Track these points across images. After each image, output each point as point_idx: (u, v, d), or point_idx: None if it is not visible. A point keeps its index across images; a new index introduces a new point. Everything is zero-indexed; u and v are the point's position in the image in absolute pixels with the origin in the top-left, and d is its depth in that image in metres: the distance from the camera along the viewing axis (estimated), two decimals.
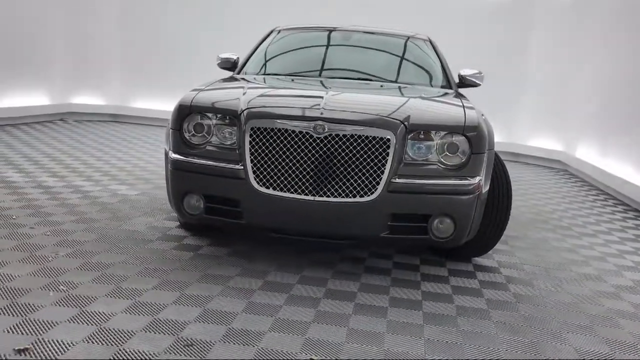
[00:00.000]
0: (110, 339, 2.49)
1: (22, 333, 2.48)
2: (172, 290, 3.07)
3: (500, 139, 8.37)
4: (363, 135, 3.24)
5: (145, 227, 4.15)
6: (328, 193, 3.25)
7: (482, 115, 3.73)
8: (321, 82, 4.37)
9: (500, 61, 8.80)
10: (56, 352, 2.35)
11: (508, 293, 3.45)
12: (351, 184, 3.25)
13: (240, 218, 3.40)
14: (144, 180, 5.68)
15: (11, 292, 2.88)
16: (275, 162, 3.28)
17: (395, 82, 4.65)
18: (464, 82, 4.93)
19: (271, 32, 5.32)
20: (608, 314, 3.25)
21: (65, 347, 2.40)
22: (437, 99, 4.12)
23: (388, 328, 2.83)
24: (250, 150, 3.31)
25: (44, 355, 2.32)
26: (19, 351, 2.33)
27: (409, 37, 5.21)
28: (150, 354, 2.39)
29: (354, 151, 3.24)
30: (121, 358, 2.35)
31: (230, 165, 3.35)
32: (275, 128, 3.28)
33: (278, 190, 3.28)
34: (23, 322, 2.58)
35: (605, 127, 7.44)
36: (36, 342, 2.41)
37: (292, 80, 4.46)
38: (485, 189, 3.49)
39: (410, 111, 3.45)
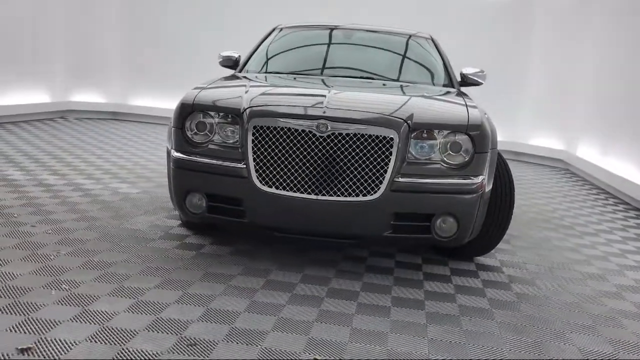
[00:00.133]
0: (113, 338, 2.49)
1: (25, 332, 2.47)
2: (174, 289, 3.06)
3: (501, 138, 8.33)
4: (366, 134, 3.23)
5: (146, 225, 4.14)
6: (331, 192, 3.24)
7: (485, 114, 3.72)
8: (323, 80, 4.36)
9: (501, 60, 8.79)
10: (59, 352, 2.34)
11: (511, 293, 3.44)
12: (354, 183, 3.24)
13: (243, 217, 3.39)
14: (145, 178, 5.67)
15: (13, 290, 2.87)
16: (278, 160, 3.27)
17: (398, 80, 4.64)
18: (466, 81, 4.91)
19: (273, 30, 5.31)
20: (611, 313, 3.24)
21: (68, 346, 2.39)
22: (440, 97, 4.11)
23: (391, 328, 2.83)
24: (252, 148, 3.30)
25: (46, 354, 2.31)
26: (22, 350, 2.32)
27: (411, 36, 5.20)
28: (153, 354, 2.38)
29: (357, 150, 3.23)
30: (124, 357, 2.34)
31: (233, 164, 3.34)
32: (278, 127, 3.27)
33: (281, 189, 3.27)
34: (25, 321, 2.57)
35: (606, 126, 7.43)
36: (39, 342, 2.40)
37: (294, 78, 4.45)
38: (488, 188, 3.48)
39: (413, 110, 3.44)
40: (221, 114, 3.46)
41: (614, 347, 2.84)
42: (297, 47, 5.14)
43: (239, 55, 5.11)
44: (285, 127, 3.26)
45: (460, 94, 4.30)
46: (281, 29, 5.28)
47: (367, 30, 5.25)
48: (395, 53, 5.06)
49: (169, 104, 9.88)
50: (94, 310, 2.73)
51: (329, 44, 5.14)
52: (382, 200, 3.23)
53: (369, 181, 3.23)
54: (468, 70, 4.92)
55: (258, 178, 3.29)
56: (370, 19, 8.04)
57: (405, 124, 3.30)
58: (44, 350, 2.34)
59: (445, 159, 3.35)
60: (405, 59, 5.03)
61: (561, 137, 8.73)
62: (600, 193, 6.84)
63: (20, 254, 3.36)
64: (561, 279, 3.75)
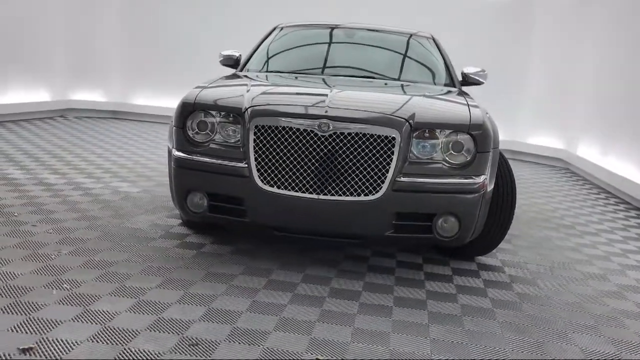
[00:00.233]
0: (115, 338, 2.48)
1: (26, 332, 2.46)
2: (175, 289, 3.05)
3: (501, 137, 8.34)
4: (368, 134, 3.22)
5: (147, 224, 4.13)
6: (332, 192, 3.24)
7: (487, 113, 3.71)
8: (324, 79, 4.35)
9: (501, 60, 8.78)
10: (61, 352, 2.33)
11: (512, 292, 3.44)
12: (356, 183, 3.23)
13: (244, 216, 3.38)
14: (145, 177, 5.66)
15: (14, 290, 2.86)
16: (280, 160, 3.26)
17: (398, 79, 4.63)
18: (467, 80, 4.91)
19: (274, 29, 5.30)
20: (613, 313, 3.24)
21: (70, 346, 2.38)
22: (441, 97, 4.11)
23: (393, 328, 2.82)
24: (254, 148, 3.29)
25: (48, 354, 2.31)
26: (24, 350, 2.31)
27: (411, 35, 5.19)
28: (155, 354, 2.38)
29: (359, 149, 3.22)
30: (126, 357, 2.34)
31: (234, 163, 3.33)
32: (280, 126, 3.26)
33: (282, 189, 3.26)
34: (27, 320, 2.56)
35: (606, 125, 7.43)
36: (40, 341, 2.39)
37: (296, 77, 4.44)
38: (490, 187, 3.48)
39: (415, 109, 3.43)
40: (222, 113, 3.45)
41: (616, 347, 2.83)
42: (298, 47, 5.14)
43: (240, 55, 5.11)
44: (287, 127, 3.25)
45: (462, 93, 4.30)
46: (282, 28, 5.27)
47: (368, 30, 5.25)
48: (396, 52, 5.05)
49: (169, 103, 9.88)
50: (95, 310, 2.72)
51: (329, 43, 5.13)
52: (384, 199, 3.23)
53: (371, 181, 3.23)
54: (469, 70, 4.91)
55: (259, 177, 3.28)
56: (370, 18, 8.04)
57: (407, 123, 3.29)
58: (46, 351, 2.33)
59: (447, 158, 3.34)
60: (406, 58, 5.02)
61: (561, 137, 8.73)
62: (601, 192, 6.84)
63: (21, 254, 3.35)
64: (562, 279, 3.74)
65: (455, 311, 3.09)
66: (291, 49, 5.09)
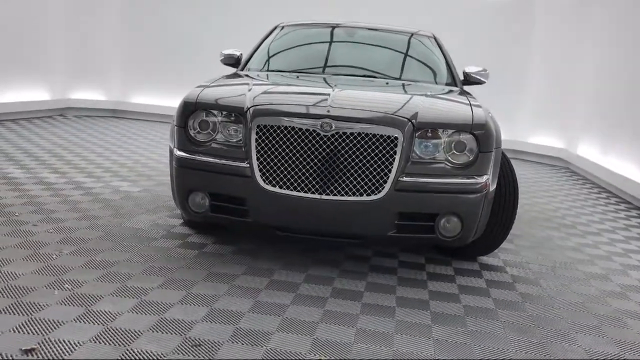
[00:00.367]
0: (118, 338, 2.47)
1: (28, 333, 2.45)
2: (177, 289, 3.04)
3: (502, 137, 8.34)
4: (370, 134, 3.21)
5: (148, 224, 4.12)
6: (335, 191, 3.23)
7: (489, 113, 3.71)
8: (326, 79, 4.34)
9: (501, 59, 8.77)
10: (63, 352, 2.32)
11: (515, 293, 3.43)
12: (358, 183, 3.22)
13: (246, 216, 3.37)
14: (145, 177, 5.65)
15: (16, 290, 2.85)
16: (282, 160, 3.25)
17: (400, 79, 4.62)
18: (469, 80, 4.90)
19: (275, 28, 5.28)
20: (616, 314, 3.24)
21: (72, 347, 2.37)
22: (444, 96, 4.10)
23: (396, 328, 2.81)
24: (256, 147, 3.28)
25: (51, 355, 2.30)
26: (26, 351, 2.30)
27: (413, 34, 5.18)
28: (158, 355, 2.37)
29: (361, 149, 3.21)
30: (129, 358, 2.33)
31: (236, 163, 3.32)
32: (282, 126, 3.25)
33: (284, 189, 3.25)
34: (28, 321, 2.55)
35: (606, 125, 7.42)
36: (42, 342, 2.38)
37: (297, 77, 4.43)
38: (493, 187, 3.47)
39: (417, 109, 3.42)
40: (224, 112, 3.44)
41: (619, 348, 2.83)
42: (299, 46, 5.12)
43: (241, 54, 5.10)
44: (289, 126, 3.24)
45: (464, 92, 4.29)
46: (283, 27, 5.26)
47: (369, 29, 5.23)
48: (398, 51, 5.04)
49: (169, 102, 9.85)
50: (97, 311, 2.71)
51: (330, 42, 5.12)
52: (387, 199, 3.22)
53: (373, 180, 3.22)
54: (471, 69, 4.90)
55: (261, 177, 3.27)
56: (370, 18, 8.03)
57: (410, 123, 3.28)
58: (48, 351, 2.32)
59: (449, 158, 3.33)
60: (407, 57, 5.01)
61: (561, 136, 8.73)
62: (602, 192, 6.83)
63: (22, 254, 3.34)
64: (565, 279, 3.74)
65: (458, 311, 3.08)
66: (292, 48, 5.07)
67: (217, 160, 3.37)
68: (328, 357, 2.47)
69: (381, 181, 3.22)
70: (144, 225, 4.09)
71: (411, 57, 5.01)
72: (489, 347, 2.72)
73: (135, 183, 5.34)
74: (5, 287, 2.88)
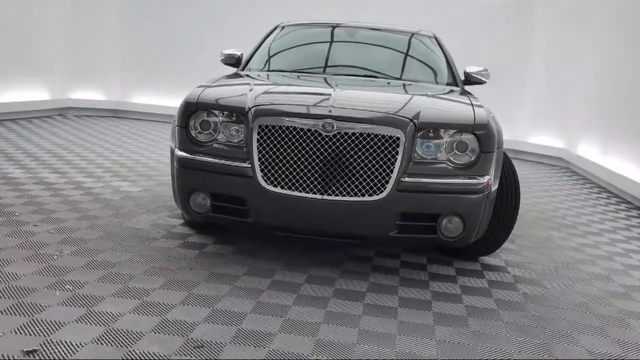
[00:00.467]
0: (120, 340, 2.46)
1: (30, 334, 2.44)
2: (179, 290, 3.03)
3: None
4: (372, 134, 3.20)
5: (149, 224, 4.11)
6: (336, 192, 3.22)
7: (491, 113, 3.70)
8: (327, 79, 4.33)
9: (501, 59, 8.76)
10: (65, 354, 2.31)
11: (517, 293, 3.42)
12: (360, 183, 3.21)
13: (248, 216, 3.36)
14: (146, 177, 5.64)
15: (17, 291, 2.84)
16: (283, 160, 3.24)
17: (401, 79, 4.62)
18: (470, 80, 4.89)
19: (275, 28, 5.27)
20: (619, 314, 3.23)
21: (75, 348, 2.36)
22: (445, 96, 4.09)
23: (399, 329, 2.80)
24: (257, 148, 3.27)
25: (53, 356, 2.29)
26: (28, 352, 2.29)
27: (413, 34, 5.17)
28: (161, 356, 2.36)
29: (363, 149, 3.21)
30: (132, 359, 2.32)
31: (238, 163, 3.31)
32: (283, 126, 3.24)
33: (286, 189, 3.24)
34: (30, 322, 2.54)
35: (606, 124, 7.42)
36: (44, 343, 2.37)
37: (298, 77, 4.43)
38: (494, 187, 3.46)
39: (419, 109, 3.41)
40: (225, 112, 3.43)
41: (622, 349, 2.82)
42: (300, 45, 5.11)
43: (242, 53, 5.08)
44: (291, 127, 3.23)
45: (465, 92, 4.28)
46: (283, 27, 5.25)
47: (370, 29, 5.23)
48: (398, 51, 5.03)
49: (169, 102, 9.84)
50: (99, 312, 2.70)
51: (331, 42, 5.11)
52: (388, 200, 3.21)
53: (375, 181, 3.21)
54: (472, 69, 4.90)
55: (263, 177, 3.26)
56: (370, 19, 8.02)
57: (412, 123, 3.28)
58: (50, 352, 2.31)
59: (451, 158, 3.32)
60: (408, 57, 5.00)
61: (561, 136, 8.72)
62: (602, 192, 6.83)
63: (23, 254, 3.33)
64: (567, 279, 3.73)
65: (460, 312, 3.07)
66: (293, 48, 5.06)
67: (218, 161, 3.36)
68: (325, 358, 2.46)
69: (383, 181, 3.21)
70: (144, 225, 4.08)
71: (412, 57, 5.01)
72: (492, 347, 2.71)
73: (136, 183, 5.33)
74: (6, 287, 2.87)
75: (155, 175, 5.72)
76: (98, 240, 3.67)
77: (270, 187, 3.25)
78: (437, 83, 4.64)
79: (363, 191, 3.21)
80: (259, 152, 3.27)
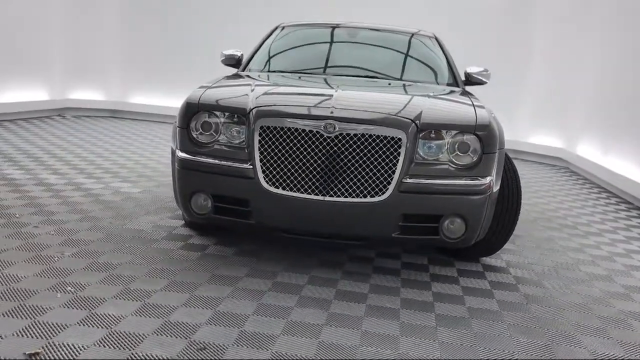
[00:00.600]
0: (122, 342, 2.45)
1: (32, 336, 2.43)
2: (181, 292, 3.02)
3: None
4: (374, 135, 3.20)
5: (150, 226, 4.10)
6: (338, 193, 3.21)
7: (492, 113, 3.69)
8: (328, 79, 4.32)
9: (501, 59, 8.76)
10: (68, 356, 2.30)
11: (519, 294, 3.42)
12: (362, 184, 3.21)
13: (250, 218, 3.35)
14: (146, 177, 5.63)
15: (18, 293, 2.83)
16: (285, 161, 3.24)
17: (401, 79, 4.61)
18: (470, 80, 4.89)
19: (275, 28, 5.27)
20: (620, 315, 3.23)
21: (77, 350, 2.35)
22: (446, 97, 4.08)
23: (401, 331, 2.80)
24: (259, 149, 3.27)
25: (55, 359, 2.28)
26: (30, 355, 2.28)
27: (414, 34, 5.17)
28: (163, 358, 2.35)
29: (365, 151, 3.20)
30: None
31: (239, 165, 3.31)
32: (285, 127, 3.24)
33: (288, 190, 3.24)
34: (32, 324, 2.53)
35: (606, 124, 7.42)
36: (47, 346, 2.37)
37: (299, 77, 4.42)
38: (496, 188, 3.46)
39: (420, 110, 3.41)
40: (227, 113, 3.42)
41: (624, 350, 2.82)
42: (300, 46, 5.11)
43: (242, 54, 5.07)
44: (293, 128, 3.23)
45: (466, 93, 4.28)
46: (283, 28, 5.24)
47: (370, 29, 5.22)
48: (399, 52, 5.02)
49: (168, 102, 9.84)
50: (101, 314, 2.69)
51: (331, 43, 5.11)
52: (390, 201, 3.21)
53: (377, 182, 3.21)
54: (472, 70, 4.90)
55: (265, 179, 3.26)
56: (369, 19, 8.01)
57: (413, 124, 3.27)
58: (52, 355, 2.30)
59: (453, 159, 3.32)
60: (408, 57, 5.00)
61: (561, 135, 8.73)
62: (602, 192, 6.83)
63: (24, 256, 3.32)
64: (568, 280, 3.73)
65: (463, 313, 3.07)
66: (293, 48, 5.06)
67: (219, 162, 3.35)
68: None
69: (385, 182, 3.20)
70: (145, 226, 4.07)
71: (412, 57, 5.00)
72: (495, 349, 2.71)
73: (136, 184, 5.32)
74: (7, 289, 2.86)
75: (156, 176, 5.71)
76: (99, 242, 3.67)
77: (272, 189, 3.25)
78: (437, 83, 4.64)
79: (365, 192, 3.21)
80: (261, 153, 3.26)
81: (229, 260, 3.55)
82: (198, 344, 2.49)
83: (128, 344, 2.44)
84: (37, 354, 2.30)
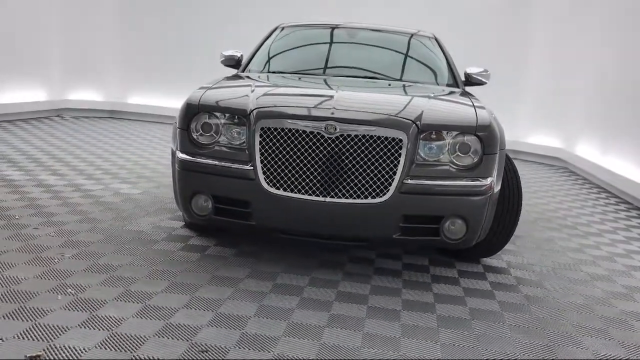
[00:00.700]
0: (124, 344, 2.45)
1: (33, 339, 2.42)
2: (182, 293, 3.02)
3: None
4: (375, 136, 3.19)
5: (150, 227, 4.09)
6: (339, 194, 3.21)
7: (493, 114, 3.69)
8: (328, 80, 4.32)
9: (500, 59, 8.76)
10: (69, 359, 2.29)
11: (520, 295, 3.42)
12: (362, 185, 3.20)
13: (250, 219, 3.35)
14: (145, 178, 5.62)
15: (19, 295, 2.82)
16: (286, 162, 3.23)
17: (401, 80, 4.61)
18: (470, 81, 4.89)
19: (275, 29, 5.26)
20: (622, 316, 3.23)
21: (79, 353, 2.35)
22: (447, 98, 4.08)
23: (403, 332, 2.80)
24: (260, 150, 3.26)
25: None
26: (32, 358, 2.27)
27: (413, 35, 5.17)
28: None
29: (366, 152, 3.20)
30: None
31: (240, 166, 3.30)
32: (286, 128, 3.23)
33: (289, 191, 3.23)
34: (33, 327, 2.53)
35: (605, 124, 7.43)
36: (48, 348, 2.36)
37: (299, 78, 4.41)
38: (497, 189, 3.45)
39: (421, 111, 3.41)
40: (227, 115, 3.42)
41: (626, 351, 2.82)
42: (300, 47, 5.10)
43: (241, 55, 5.07)
44: (293, 129, 3.22)
45: (466, 93, 4.28)
46: (283, 28, 5.23)
47: (370, 29, 5.22)
48: (399, 52, 5.02)
49: (167, 103, 9.83)
50: (102, 316, 2.69)
51: (331, 43, 5.10)
52: (391, 202, 3.20)
53: (378, 183, 3.20)
54: (472, 70, 4.90)
55: (265, 180, 3.25)
56: (369, 19, 8.01)
57: (414, 125, 3.27)
58: (54, 358, 2.29)
59: (454, 160, 3.32)
60: (408, 58, 5.00)
61: (560, 135, 8.73)
62: (601, 192, 6.83)
63: (24, 257, 3.31)
64: (569, 281, 3.73)
65: (464, 314, 3.07)
66: (293, 49, 5.05)
67: (220, 163, 3.35)
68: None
69: (386, 184, 3.20)
70: (145, 227, 4.06)
71: (412, 58, 5.00)
72: (497, 350, 2.71)
73: (135, 185, 5.31)
74: (7, 292, 2.85)
75: (155, 177, 5.70)
76: (99, 243, 3.66)
77: (273, 190, 3.24)
78: (437, 84, 4.64)
79: (366, 193, 3.20)
80: (261, 154, 3.26)
81: (229, 262, 3.54)
82: (200, 346, 2.49)
83: (130, 346, 2.43)
84: (38, 356, 2.30)
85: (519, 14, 8.93)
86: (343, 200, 3.21)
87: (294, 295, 3.12)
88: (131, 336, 2.52)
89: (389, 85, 4.38)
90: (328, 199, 3.21)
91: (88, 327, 2.57)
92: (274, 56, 4.89)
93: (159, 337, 2.54)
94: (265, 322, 2.77)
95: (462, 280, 3.57)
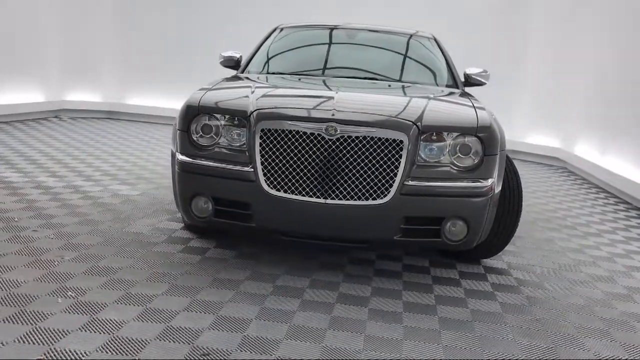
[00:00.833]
0: (125, 348, 2.44)
1: (34, 343, 2.41)
2: (182, 296, 3.01)
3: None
4: (376, 137, 3.19)
5: (149, 229, 4.08)
6: (340, 196, 3.20)
7: (493, 115, 3.69)
8: (328, 81, 4.31)
9: (499, 59, 8.76)
10: None
11: (521, 296, 3.42)
12: (363, 187, 3.20)
13: (251, 221, 3.34)
14: (144, 180, 5.60)
15: (19, 299, 2.81)
16: (286, 164, 3.22)
17: (401, 80, 4.60)
18: (470, 81, 4.89)
19: (274, 30, 5.25)
20: (623, 317, 3.22)
21: (80, 357, 2.33)
22: (447, 98, 4.08)
23: (405, 334, 2.79)
24: (260, 152, 3.25)
25: None
26: None
27: (412, 35, 5.16)
28: None
29: (366, 153, 3.19)
30: None
31: (240, 167, 3.29)
32: (286, 129, 3.22)
33: (289, 193, 3.22)
34: (33, 330, 2.51)
35: (604, 124, 7.43)
36: (49, 352, 2.35)
37: (299, 79, 4.40)
38: (497, 190, 3.45)
39: (422, 112, 3.40)
40: (227, 116, 3.41)
41: (627, 352, 2.82)
42: (299, 47, 5.09)
43: (241, 56, 5.06)
44: (294, 130, 3.22)
45: (465, 94, 4.27)
46: (282, 29, 5.22)
47: (369, 30, 5.21)
48: (398, 53, 5.01)
49: (165, 103, 9.81)
50: (102, 319, 2.67)
51: (330, 44, 5.09)
52: (392, 204, 3.19)
53: (379, 184, 3.20)
54: (472, 71, 4.89)
55: (266, 182, 3.24)
56: (368, 19, 8.00)
57: (415, 126, 3.26)
58: None
59: (454, 161, 3.31)
60: (407, 58, 4.99)
61: (559, 135, 8.73)
62: (600, 192, 6.84)
63: (23, 260, 3.30)
64: (569, 281, 3.73)
65: (466, 316, 3.06)
66: (292, 50, 5.04)
67: (220, 165, 3.33)
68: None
69: (387, 185, 3.19)
70: (145, 229, 4.05)
71: (412, 58, 4.99)
72: (499, 352, 2.70)
73: (134, 186, 5.29)
74: (7, 295, 2.84)
75: (154, 178, 5.68)
76: (99, 246, 3.65)
77: (274, 192, 3.23)
78: (437, 85, 4.63)
79: (367, 195, 3.20)
80: (262, 156, 3.25)
81: (230, 264, 3.53)
82: (202, 350, 2.48)
83: (131, 350, 2.42)
84: None
85: (518, 14, 8.93)
86: (344, 201, 3.20)
87: (295, 298, 3.11)
88: (132, 339, 2.51)
89: (389, 86, 4.37)
90: (328, 201, 3.20)
91: (89, 330, 2.56)
92: (273, 57, 4.88)
93: (160, 340, 2.53)
94: (266, 325, 2.76)
95: (463, 282, 3.56)
